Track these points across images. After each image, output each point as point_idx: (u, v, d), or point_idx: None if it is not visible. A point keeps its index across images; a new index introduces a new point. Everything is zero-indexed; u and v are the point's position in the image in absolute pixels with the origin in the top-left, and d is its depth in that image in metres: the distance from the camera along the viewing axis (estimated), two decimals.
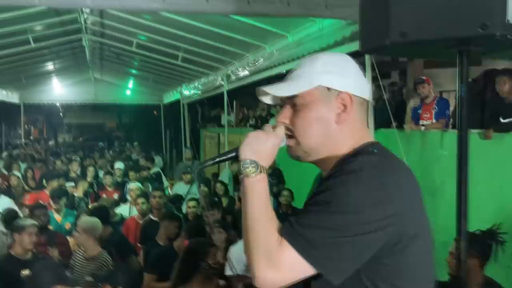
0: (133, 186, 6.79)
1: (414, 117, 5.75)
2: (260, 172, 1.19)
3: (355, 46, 3.54)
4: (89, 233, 4.30)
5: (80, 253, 4.34)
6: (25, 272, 3.75)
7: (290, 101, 1.27)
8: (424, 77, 5.75)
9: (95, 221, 4.49)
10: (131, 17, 7.24)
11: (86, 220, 4.54)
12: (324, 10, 4.27)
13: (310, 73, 1.25)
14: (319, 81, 1.24)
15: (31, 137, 27.01)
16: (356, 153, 1.20)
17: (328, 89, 1.24)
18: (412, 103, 5.84)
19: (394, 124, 4.82)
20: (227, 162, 9.05)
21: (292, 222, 1.12)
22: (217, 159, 1.33)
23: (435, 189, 4.71)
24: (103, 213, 5.09)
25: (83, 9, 7.37)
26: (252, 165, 1.19)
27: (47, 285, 2.97)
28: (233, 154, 1.26)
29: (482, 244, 2.80)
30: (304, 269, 1.09)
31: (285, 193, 6.12)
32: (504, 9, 1.63)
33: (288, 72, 1.34)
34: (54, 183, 7.24)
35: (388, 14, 1.62)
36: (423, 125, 5.56)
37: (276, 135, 1.26)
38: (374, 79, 4.68)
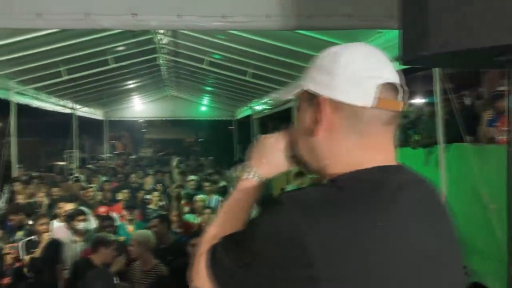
0: (199, 197, 7.01)
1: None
2: (248, 176, 1.14)
3: None
4: (144, 246, 4.44)
5: (138, 267, 4.48)
6: None
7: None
8: (503, 88, 5.37)
9: (148, 233, 4.64)
10: (202, 36, 7.49)
11: (140, 233, 4.71)
12: (387, 21, 4.14)
13: (304, 73, 1.06)
14: (305, 81, 1.04)
15: (116, 152, 28.66)
16: (330, 181, 0.96)
17: (309, 93, 1.02)
18: (486, 115, 5.48)
19: (466, 138, 4.54)
20: (292, 176, 9.02)
21: (225, 237, 1.02)
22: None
23: None
24: (168, 221, 5.28)
25: (157, 30, 7.74)
26: (245, 168, 1.16)
27: None
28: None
29: None
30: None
31: None
32: None
33: None
34: (127, 195, 7.61)
35: (428, 23, 1.52)
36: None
37: (278, 142, 1.14)
38: (445, 91, 4.46)
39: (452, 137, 4.97)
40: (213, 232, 1.08)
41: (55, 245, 5.22)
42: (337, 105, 0.97)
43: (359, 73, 0.97)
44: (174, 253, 5.02)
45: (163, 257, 4.54)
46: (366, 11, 4.14)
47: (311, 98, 1.01)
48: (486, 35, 1.43)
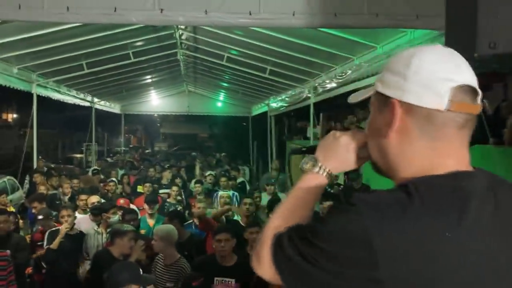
0: (224, 193, 7.04)
1: None
2: (318, 171, 1.13)
3: None
4: (166, 240, 4.46)
5: (160, 261, 4.50)
6: None
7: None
8: None
9: (171, 228, 4.67)
10: (223, 32, 7.51)
11: (162, 228, 4.73)
12: (415, 21, 4.12)
13: (378, 77, 1.06)
14: (377, 85, 1.04)
15: (131, 145, 28.92)
16: (401, 185, 0.95)
17: (382, 94, 1.02)
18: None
19: (491, 140, 4.49)
20: None
21: (292, 228, 1.02)
22: (303, 149, 1.35)
23: None
24: (180, 217, 5.31)
25: (178, 25, 7.78)
26: (312, 162, 1.15)
27: (122, 283, 3.16)
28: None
29: None
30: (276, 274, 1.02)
31: (247, 200, 6.09)
32: None
33: None
34: (148, 189, 7.69)
35: (476, 24, 1.51)
36: None
37: (352, 140, 1.13)
38: None
39: (476, 139, 4.92)
40: (276, 223, 1.08)
41: (75, 237, 5.29)
42: (410, 108, 0.97)
43: (432, 75, 0.95)
44: (190, 248, 5.06)
45: (179, 252, 4.60)
46: (393, 10, 4.13)
47: (384, 101, 1.01)
48: None
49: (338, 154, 1.15)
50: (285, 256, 0.99)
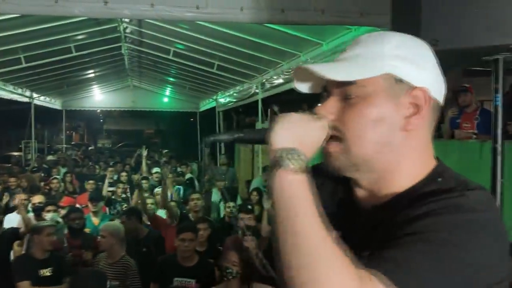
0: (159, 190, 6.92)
1: (453, 126, 5.59)
2: (304, 168, 0.82)
3: None
4: (115, 237, 4.38)
5: (103, 259, 4.40)
6: (45, 271, 3.89)
7: (341, 90, 0.91)
8: (467, 85, 5.57)
9: (119, 224, 4.60)
10: (168, 26, 7.39)
11: (110, 224, 4.66)
12: (359, 18, 4.22)
13: (377, 55, 0.90)
14: (388, 67, 0.89)
15: (73, 142, 27.93)
16: (442, 184, 0.89)
17: (399, 80, 0.90)
18: (450, 113, 5.68)
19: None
20: (260, 169, 9.07)
21: (396, 259, 0.77)
22: (236, 136, 0.98)
23: None
24: (138, 215, 5.22)
25: (123, 18, 7.57)
26: (296, 155, 0.82)
27: None
28: (260, 136, 0.92)
29: None
30: None
31: (194, 196, 6.06)
32: None
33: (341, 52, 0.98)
34: (92, 186, 7.46)
35: (419, 21, 1.58)
36: (475, 133, 5.26)
37: (323, 125, 0.90)
38: None
39: None
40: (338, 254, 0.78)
41: (2, 238, 5.00)
42: (428, 99, 0.91)
43: (438, 68, 0.95)
44: (149, 244, 4.96)
45: (138, 249, 4.51)
46: (339, 7, 4.21)
47: (399, 87, 0.90)
48: (475, 36, 1.51)
49: (314, 144, 0.90)
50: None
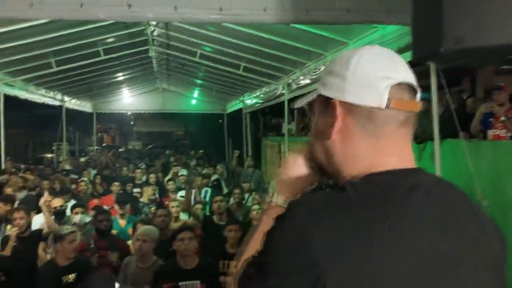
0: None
1: (484, 124, 5.41)
2: (273, 200, 1.16)
3: None
4: (155, 242, 4.38)
5: (134, 263, 4.38)
6: (68, 278, 3.91)
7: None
8: (501, 84, 5.40)
9: (156, 229, 4.60)
10: (195, 28, 7.43)
11: (149, 229, 4.61)
12: (386, 16, 4.13)
13: (319, 80, 1.06)
14: (320, 88, 1.04)
15: (104, 144, 28.47)
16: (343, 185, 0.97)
17: (325, 98, 1.02)
18: (483, 109, 5.48)
19: (461, 134, 4.55)
20: None
21: (248, 262, 1.02)
22: None
23: (507, 204, 4.39)
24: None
25: (150, 21, 7.65)
26: (271, 195, 1.18)
27: None
28: None
29: None
30: None
31: (218, 198, 6.05)
32: None
33: None
34: (117, 188, 7.54)
35: (442, 19, 1.50)
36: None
37: (301, 159, 1.15)
38: (440, 87, 4.46)
39: (445, 133, 4.99)
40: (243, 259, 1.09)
41: (29, 238, 5.06)
42: (350, 108, 0.97)
43: (370, 74, 0.96)
44: None
45: (165, 249, 4.54)
46: (364, 6, 4.13)
47: (325, 103, 1.02)
48: (500, 34, 1.42)
49: (288, 178, 1.16)
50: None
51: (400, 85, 0.96)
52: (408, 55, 4.60)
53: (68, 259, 4.29)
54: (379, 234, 0.85)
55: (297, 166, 1.15)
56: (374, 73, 0.96)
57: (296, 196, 1.13)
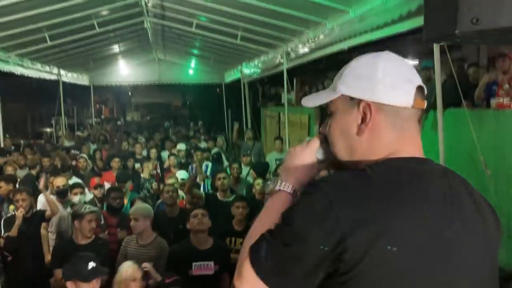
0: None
1: (488, 92, 5.33)
2: (280, 188, 1.21)
3: (421, 20, 3.28)
4: (148, 219, 4.37)
5: (133, 240, 4.38)
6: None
7: (329, 109, 1.22)
8: (506, 51, 5.28)
9: (150, 208, 4.59)
10: None
11: (143, 207, 4.60)
12: None
13: (337, 81, 1.18)
14: (342, 89, 1.16)
15: (102, 116, 28.34)
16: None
17: (351, 98, 1.14)
18: (487, 78, 5.39)
19: (464, 102, 4.47)
20: (287, 142, 8.97)
21: (263, 233, 1.08)
22: None
23: (510, 173, 4.37)
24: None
25: None
26: (275, 182, 1.24)
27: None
28: None
29: None
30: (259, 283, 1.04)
31: (221, 175, 5.95)
32: None
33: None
34: (117, 165, 7.48)
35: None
36: None
37: (309, 150, 1.24)
38: (442, 53, 4.35)
39: (447, 102, 4.91)
40: (250, 243, 1.12)
41: (33, 218, 5.07)
42: (381, 107, 1.11)
43: (398, 78, 1.11)
44: (184, 221, 4.97)
45: (174, 226, 4.53)
46: None
47: (350, 102, 1.15)
48: None
49: (296, 166, 1.23)
50: (264, 257, 1.04)
51: (418, 87, 1.13)
52: (410, 23, 4.51)
53: (87, 238, 4.29)
54: (395, 209, 0.99)
55: (303, 155, 1.23)
56: (401, 76, 1.11)
57: (302, 183, 1.22)
